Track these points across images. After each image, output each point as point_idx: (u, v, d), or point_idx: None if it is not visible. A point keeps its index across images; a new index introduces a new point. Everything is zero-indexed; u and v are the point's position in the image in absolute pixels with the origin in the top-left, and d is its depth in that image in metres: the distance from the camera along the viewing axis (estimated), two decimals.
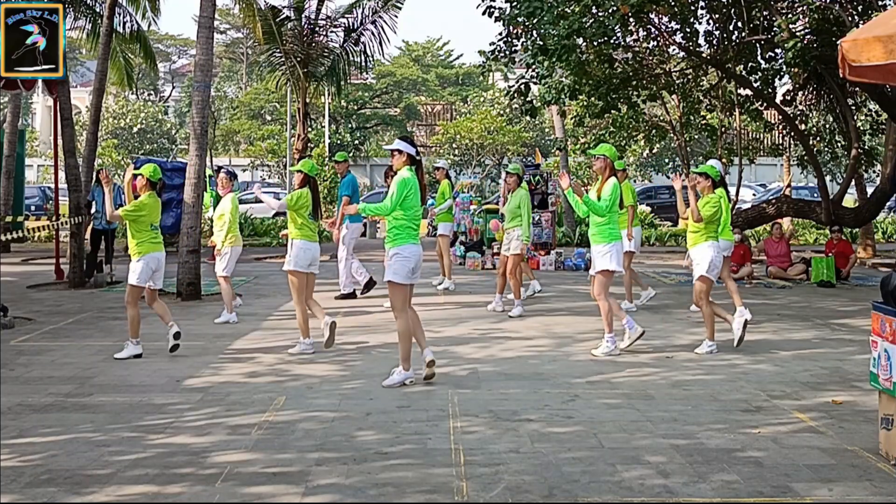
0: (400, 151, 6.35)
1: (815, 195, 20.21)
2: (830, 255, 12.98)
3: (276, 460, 4.59)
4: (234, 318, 9.08)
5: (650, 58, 15.42)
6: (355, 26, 16.87)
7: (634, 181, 37.65)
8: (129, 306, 7.24)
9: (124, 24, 17.02)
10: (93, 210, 12.72)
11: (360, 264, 11.06)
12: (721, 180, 7.96)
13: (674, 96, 16.59)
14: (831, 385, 6.34)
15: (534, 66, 13.63)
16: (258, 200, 30.78)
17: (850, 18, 11.97)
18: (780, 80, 15.74)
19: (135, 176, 7.54)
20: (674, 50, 15.96)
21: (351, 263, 10.79)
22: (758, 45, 14.29)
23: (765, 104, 16.05)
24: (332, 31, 17.26)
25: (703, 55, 15.49)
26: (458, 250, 15.58)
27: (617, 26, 12.76)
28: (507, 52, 14.13)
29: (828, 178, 21.89)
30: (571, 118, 19.41)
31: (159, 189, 7.51)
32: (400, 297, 6.27)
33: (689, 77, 16.31)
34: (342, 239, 10.33)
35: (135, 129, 44.62)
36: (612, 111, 15.63)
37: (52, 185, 21.29)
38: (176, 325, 7.40)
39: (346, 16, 17.12)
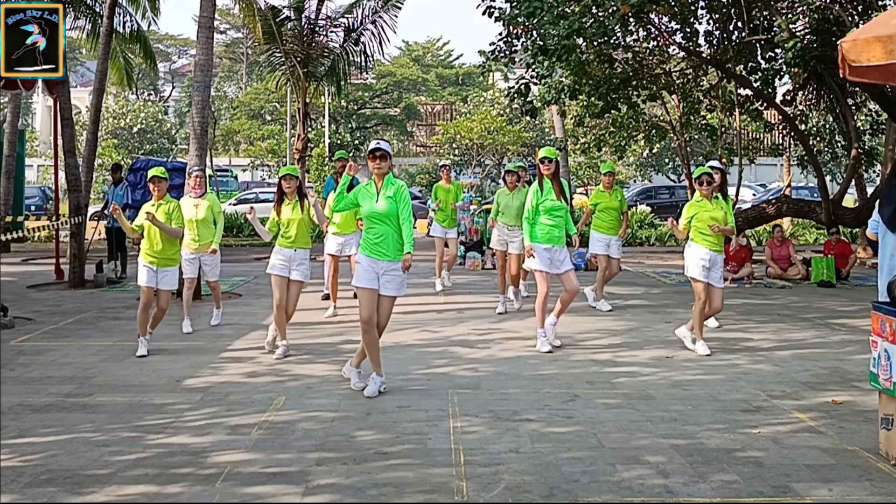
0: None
1: (815, 195, 20.21)
2: (830, 255, 12.98)
3: (275, 460, 4.59)
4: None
5: (650, 58, 15.40)
6: (355, 26, 16.85)
7: (634, 181, 37.74)
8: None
9: (124, 24, 17.02)
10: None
11: None
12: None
13: (674, 96, 16.57)
14: (831, 385, 6.34)
15: (534, 66, 13.62)
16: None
17: (850, 18, 11.94)
18: (780, 80, 15.70)
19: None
20: (674, 50, 15.93)
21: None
22: (758, 45, 14.27)
23: (765, 104, 16.02)
24: (332, 31, 17.25)
25: (703, 55, 15.47)
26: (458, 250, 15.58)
27: (617, 26, 12.74)
28: (507, 52, 14.12)
29: (828, 178, 21.87)
30: (571, 118, 19.38)
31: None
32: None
33: (689, 77, 16.29)
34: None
35: (135, 129, 44.66)
36: (612, 111, 15.63)
37: (52, 185, 21.30)
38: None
39: (346, 16, 17.10)
